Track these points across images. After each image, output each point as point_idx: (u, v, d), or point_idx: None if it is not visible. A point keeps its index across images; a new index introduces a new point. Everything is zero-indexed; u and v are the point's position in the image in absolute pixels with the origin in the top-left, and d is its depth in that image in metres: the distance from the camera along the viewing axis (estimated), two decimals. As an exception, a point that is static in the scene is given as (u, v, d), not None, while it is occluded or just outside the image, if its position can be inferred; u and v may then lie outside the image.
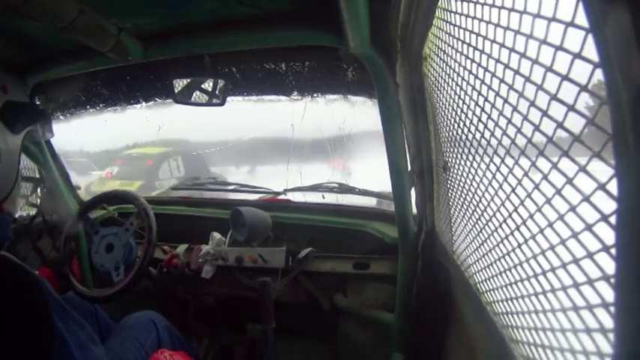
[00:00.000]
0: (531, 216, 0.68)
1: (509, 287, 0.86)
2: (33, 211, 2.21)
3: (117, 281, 1.90)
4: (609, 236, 0.47)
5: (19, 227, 2.08)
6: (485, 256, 0.99)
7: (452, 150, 1.14)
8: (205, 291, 2.23)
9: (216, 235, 2.18)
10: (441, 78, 1.11)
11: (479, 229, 1.01)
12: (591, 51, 0.45)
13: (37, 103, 2.09)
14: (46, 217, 2.22)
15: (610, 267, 0.48)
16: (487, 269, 1.00)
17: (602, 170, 0.47)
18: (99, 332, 1.64)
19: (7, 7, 1.02)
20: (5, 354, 0.92)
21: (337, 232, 2.16)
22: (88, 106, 2.19)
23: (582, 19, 0.45)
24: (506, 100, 0.70)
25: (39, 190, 2.24)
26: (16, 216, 2.11)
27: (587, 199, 0.51)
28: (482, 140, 0.86)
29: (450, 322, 1.45)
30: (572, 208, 0.55)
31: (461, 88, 0.94)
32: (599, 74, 0.44)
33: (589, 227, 0.52)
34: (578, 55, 0.48)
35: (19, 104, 1.18)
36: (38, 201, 2.24)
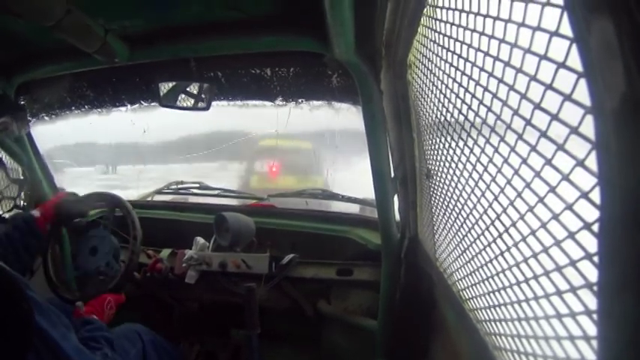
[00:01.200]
0: (514, 224, 0.69)
1: (492, 294, 0.86)
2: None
3: (111, 275, 1.89)
4: (592, 244, 0.47)
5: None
6: (468, 264, 0.99)
7: (435, 157, 1.14)
8: (189, 296, 2.21)
9: (200, 240, 2.16)
10: (426, 86, 1.11)
11: (461, 237, 1.01)
12: (575, 60, 0.45)
13: (22, 103, 2.07)
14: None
15: (593, 275, 0.48)
16: (470, 276, 1.00)
17: (586, 179, 0.47)
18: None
19: None
20: None
21: (321, 238, 2.16)
22: (73, 107, 2.17)
23: (567, 29, 0.45)
24: (489, 109, 0.70)
25: (23, 192, 2.21)
26: (5, 219, 2.08)
27: (570, 207, 0.51)
28: (466, 148, 0.87)
29: (434, 328, 1.45)
30: (555, 216, 0.55)
31: (445, 96, 0.95)
32: (582, 84, 0.45)
33: (572, 235, 0.52)
34: (562, 65, 0.48)
35: None
36: (22, 203, 2.21)
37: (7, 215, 2.11)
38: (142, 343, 1.61)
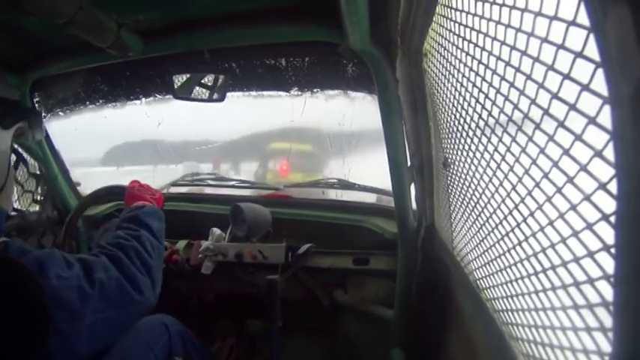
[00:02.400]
0: (532, 214, 0.68)
1: (509, 284, 0.86)
2: (37, 207, 2.22)
3: None
4: (609, 235, 0.47)
5: (25, 224, 2.09)
6: (486, 253, 0.99)
7: (452, 146, 1.14)
8: (205, 287, 2.23)
9: (216, 231, 2.17)
10: (442, 74, 1.10)
11: (479, 226, 1.01)
12: (593, 50, 0.45)
13: (37, 99, 2.10)
14: (47, 214, 2.22)
15: (610, 266, 0.48)
16: (487, 266, 1.00)
17: (604, 169, 0.47)
18: None
19: (7, 4, 1.02)
20: (3, 355, 0.92)
21: (337, 227, 2.16)
22: (87, 102, 2.19)
23: (584, 18, 0.45)
24: (507, 98, 0.70)
25: (40, 187, 2.24)
26: (24, 212, 2.12)
27: (587, 198, 0.51)
28: (483, 137, 0.86)
29: (450, 318, 1.45)
30: (573, 207, 0.55)
31: (461, 85, 0.94)
32: (600, 73, 0.44)
33: (589, 226, 0.52)
34: (579, 54, 0.48)
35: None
36: (39, 197, 2.24)
37: (25, 209, 2.15)
38: (169, 334, 1.61)
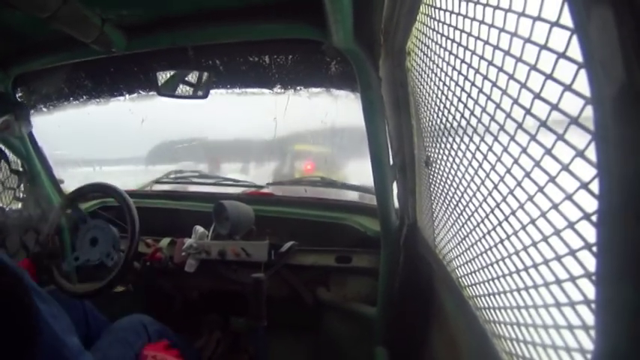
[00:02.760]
0: (513, 212, 0.69)
1: (491, 282, 0.86)
2: (18, 205, 2.18)
3: (112, 265, 1.88)
4: (591, 234, 0.47)
5: (7, 222, 2.05)
6: (467, 251, 1.00)
7: (434, 145, 1.14)
8: (189, 284, 2.22)
9: (199, 229, 2.16)
10: (425, 73, 1.11)
11: (461, 224, 1.01)
12: (576, 51, 0.45)
13: (19, 94, 2.06)
14: (30, 211, 2.18)
15: (591, 264, 0.48)
16: (469, 264, 1.01)
17: (585, 169, 0.47)
18: (86, 331, 1.61)
19: None
20: None
21: (320, 225, 2.16)
22: (71, 98, 2.16)
23: (567, 20, 0.45)
24: (489, 98, 0.70)
25: (22, 184, 2.20)
26: (4, 210, 2.08)
27: (569, 197, 0.52)
28: (465, 136, 0.86)
29: (433, 316, 1.46)
30: (555, 206, 0.55)
31: (444, 84, 0.94)
32: (583, 74, 0.45)
33: (571, 225, 0.52)
34: (562, 55, 0.48)
35: None
36: (21, 195, 2.21)
37: (7, 208, 2.12)
38: (148, 335, 1.60)
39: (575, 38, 0.45)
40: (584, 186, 0.48)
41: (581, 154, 0.47)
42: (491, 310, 0.89)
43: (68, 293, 1.84)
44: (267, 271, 1.98)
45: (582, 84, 0.45)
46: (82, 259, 1.93)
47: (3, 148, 2.03)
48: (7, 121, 1.21)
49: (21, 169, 2.18)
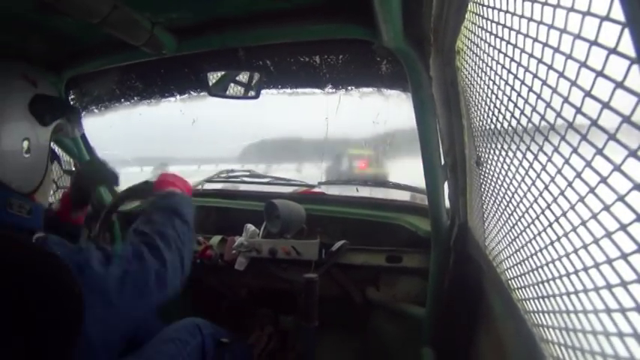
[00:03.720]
0: (564, 214, 0.67)
1: (541, 285, 0.84)
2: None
3: None
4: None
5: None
6: (518, 253, 0.98)
7: (485, 145, 1.12)
8: (238, 282, 2.26)
9: (250, 227, 2.19)
10: (475, 72, 1.09)
11: (511, 225, 0.99)
12: (628, 46, 0.43)
13: (72, 97, 2.15)
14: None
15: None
16: (519, 266, 0.99)
17: (638, 169, 0.45)
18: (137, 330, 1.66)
19: (43, 5, 1.05)
20: (35, 346, 0.95)
21: (370, 224, 2.16)
22: (122, 100, 2.23)
23: (618, 13, 0.44)
24: (539, 96, 0.69)
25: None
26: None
27: (621, 198, 0.50)
28: (516, 136, 0.85)
29: (481, 317, 1.43)
30: (606, 207, 0.54)
31: (494, 83, 0.93)
32: (635, 70, 0.43)
33: (623, 227, 0.50)
34: (613, 51, 0.46)
35: (49, 98, 1.21)
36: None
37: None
38: (202, 337, 1.62)
39: (626, 32, 0.43)
40: (637, 187, 0.46)
41: (633, 153, 0.46)
42: (541, 314, 0.87)
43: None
44: (317, 269, 1.99)
45: (635, 80, 0.43)
46: None
47: (56, 149, 2.12)
48: (60, 125, 1.27)
49: (73, 169, 2.26)
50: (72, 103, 2.18)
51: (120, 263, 1.11)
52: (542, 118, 0.69)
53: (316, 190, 2.59)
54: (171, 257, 1.24)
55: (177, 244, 1.28)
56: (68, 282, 0.99)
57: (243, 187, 2.80)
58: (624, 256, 0.51)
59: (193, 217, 1.43)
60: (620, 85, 0.47)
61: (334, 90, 1.93)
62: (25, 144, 1.12)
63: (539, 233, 0.80)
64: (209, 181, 2.82)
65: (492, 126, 0.99)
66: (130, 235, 1.29)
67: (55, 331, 0.96)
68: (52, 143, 1.27)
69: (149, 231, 1.27)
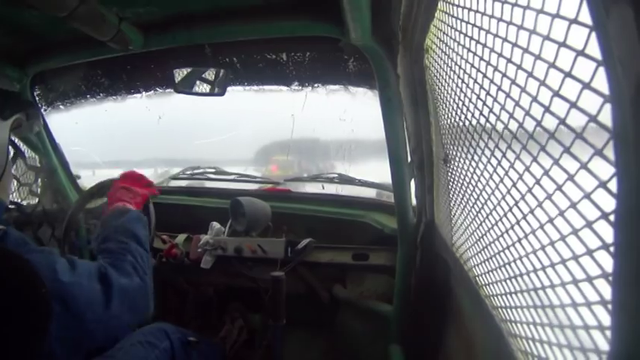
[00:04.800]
0: (532, 211, 0.68)
1: (508, 281, 0.86)
2: (34, 200, 2.21)
3: None
4: (609, 234, 0.47)
5: (21, 217, 2.08)
6: (485, 250, 0.99)
7: (452, 142, 1.13)
8: (204, 281, 2.24)
9: (216, 225, 2.18)
10: (443, 70, 1.10)
11: (478, 223, 1.01)
12: (595, 48, 0.44)
13: (38, 92, 2.10)
14: (45, 206, 2.22)
15: (609, 265, 0.48)
16: (486, 263, 1.00)
17: (604, 168, 0.47)
18: None
19: None
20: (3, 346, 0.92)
21: (337, 222, 2.16)
22: (88, 96, 2.19)
23: (586, 17, 0.45)
24: (508, 95, 0.70)
25: (39, 179, 2.24)
26: (21, 205, 2.11)
27: (587, 196, 0.51)
28: (484, 134, 0.86)
29: (449, 314, 1.45)
30: (573, 205, 0.55)
31: (462, 81, 0.94)
32: (601, 72, 0.44)
33: (589, 224, 0.52)
34: (581, 53, 0.48)
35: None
36: (39, 190, 2.24)
37: (24, 202, 2.15)
38: (170, 342, 1.60)
39: (594, 36, 0.44)
40: (603, 185, 0.47)
41: (599, 152, 0.47)
42: (508, 310, 0.88)
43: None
44: (283, 268, 1.99)
45: (601, 82, 0.44)
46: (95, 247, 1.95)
47: (20, 145, 2.06)
48: (18, 120, 1.23)
49: (38, 165, 2.21)
50: (38, 98, 2.13)
51: (86, 275, 1.09)
52: (511, 116, 0.70)
53: (282, 187, 2.59)
54: (135, 280, 1.23)
55: (138, 269, 1.27)
56: (34, 282, 0.96)
57: (208, 184, 2.78)
58: (590, 253, 0.52)
59: (147, 236, 1.43)
60: (587, 86, 0.48)
61: (301, 87, 1.93)
62: None
63: (507, 230, 0.81)
64: (174, 178, 2.79)
65: (460, 124, 1.01)
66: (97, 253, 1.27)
67: (19, 332, 0.92)
68: (15, 140, 1.23)
69: (110, 254, 1.26)
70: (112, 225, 1.40)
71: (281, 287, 1.75)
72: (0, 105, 1.15)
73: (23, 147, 2.10)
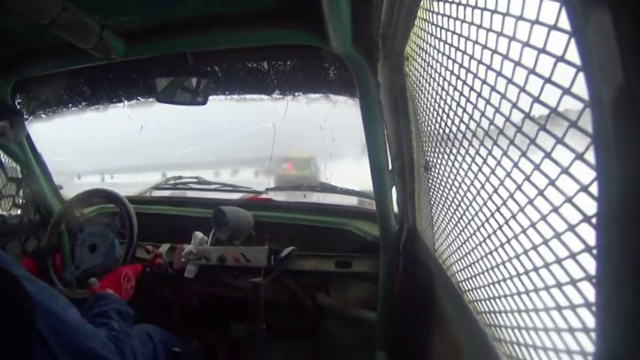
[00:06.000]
0: (514, 216, 0.69)
1: (491, 286, 0.86)
2: (17, 212, 2.18)
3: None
4: (591, 237, 0.47)
5: (7, 229, 2.05)
6: (467, 255, 1.00)
7: (433, 149, 1.14)
8: (189, 290, 2.22)
9: (199, 235, 2.17)
10: (423, 78, 1.11)
11: (461, 228, 1.01)
12: (574, 54, 0.45)
13: (19, 101, 2.07)
14: (29, 217, 2.18)
15: (592, 267, 0.48)
16: (469, 268, 1.01)
17: (585, 172, 0.47)
18: None
19: None
20: None
21: (319, 230, 2.16)
22: (70, 105, 2.17)
23: (565, 23, 0.45)
24: (488, 102, 0.70)
25: (21, 190, 2.20)
26: (5, 217, 2.08)
27: (569, 200, 0.52)
28: (464, 140, 0.87)
29: (433, 320, 1.46)
30: (555, 209, 0.55)
31: (443, 89, 0.94)
32: (581, 77, 0.45)
33: (571, 228, 0.52)
34: (561, 58, 0.48)
35: None
36: (21, 201, 2.20)
37: (6, 214, 2.11)
38: (153, 344, 1.59)
39: (573, 41, 0.45)
40: (584, 189, 0.48)
41: (580, 157, 0.48)
42: (492, 314, 0.89)
43: (69, 298, 1.83)
44: (266, 276, 1.98)
45: (581, 87, 0.45)
46: (82, 267, 1.92)
47: (1, 155, 2.03)
48: (2, 128, 1.21)
49: (19, 176, 2.18)
50: (19, 107, 2.10)
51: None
52: (491, 122, 0.70)
53: (264, 196, 2.59)
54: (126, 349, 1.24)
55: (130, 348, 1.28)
56: (17, 296, 0.95)
57: (190, 194, 2.76)
58: (573, 256, 0.53)
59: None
60: (567, 91, 0.48)
61: (282, 96, 1.93)
62: None
63: (489, 236, 0.82)
64: (157, 188, 2.77)
65: (441, 131, 1.01)
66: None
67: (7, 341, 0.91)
68: None
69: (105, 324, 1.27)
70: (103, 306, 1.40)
71: (260, 292, 1.76)
72: None
73: (3, 156, 2.07)
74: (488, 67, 0.67)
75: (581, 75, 0.45)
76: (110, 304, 1.37)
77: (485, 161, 0.77)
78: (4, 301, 0.94)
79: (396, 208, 1.71)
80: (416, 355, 1.58)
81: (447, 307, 1.28)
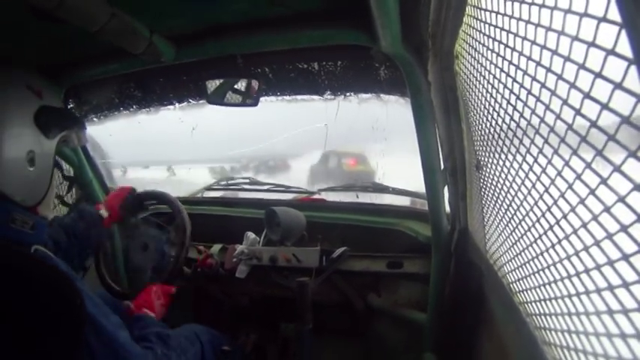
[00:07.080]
0: (565, 216, 0.67)
1: (542, 288, 0.84)
2: (65, 210, 2.28)
3: (152, 277, 1.90)
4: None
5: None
6: (519, 256, 0.98)
7: (485, 149, 1.12)
8: (239, 290, 2.25)
9: (251, 235, 2.20)
10: (473, 76, 1.09)
11: (512, 229, 0.99)
12: (625, 47, 0.43)
13: (71, 106, 2.16)
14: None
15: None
16: (520, 269, 0.98)
17: (638, 170, 0.45)
18: None
19: (41, 13, 1.04)
20: (38, 356, 0.95)
21: (371, 231, 2.16)
22: (121, 108, 2.24)
23: (615, 14, 0.44)
24: (538, 99, 0.69)
25: (73, 190, 2.30)
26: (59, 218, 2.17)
27: (622, 199, 0.50)
28: (515, 139, 0.85)
29: (483, 321, 1.43)
30: (607, 209, 0.54)
31: (493, 87, 0.93)
32: (634, 70, 0.43)
33: (624, 228, 0.50)
34: (611, 52, 0.47)
35: (54, 109, 1.20)
36: (70, 201, 2.30)
37: (54, 212, 2.20)
38: (201, 344, 1.62)
39: (623, 33, 0.43)
40: (638, 187, 0.46)
41: (633, 154, 0.46)
42: (542, 317, 0.87)
43: (117, 295, 1.90)
44: (318, 276, 1.99)
45: (633, 81, 0.43)
46: (132, 264, 1.98)
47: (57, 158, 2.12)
48: (65, 136, 1.26)
49: (72, 175, 2.26)
50: (77, 115, 2.18)
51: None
52: (542, 120, 0.69)
53: (316, 196, 2.59)
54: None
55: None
56: (69, 293, 0.99)
57: (242, 195, 2.80)
58: (625, 257, 0.51)
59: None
60: (618, 86, 0.47)
61: (333, 96, 1.94)
62: (30, 157, 1.11)
63: (540, 236, 0.80)
64: (209, 189, 2.82)
65: (492, 129, 0.99)
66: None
67: (56, 340, 0.95)
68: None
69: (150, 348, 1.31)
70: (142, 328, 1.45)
71: (306, 292, 1.77)
72: (46, 123, 1.17)
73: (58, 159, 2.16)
74: (538, 63, 0.66)
75: (633, 68, 0.43)
76: (150, 327, 1.41)
77: (536, 160, 0.75)
78: (56, 293, 0.98)
79: (447, 209, 1.69)
80: (464, 357, 1.56)
81: (497, 308, 1.25)
